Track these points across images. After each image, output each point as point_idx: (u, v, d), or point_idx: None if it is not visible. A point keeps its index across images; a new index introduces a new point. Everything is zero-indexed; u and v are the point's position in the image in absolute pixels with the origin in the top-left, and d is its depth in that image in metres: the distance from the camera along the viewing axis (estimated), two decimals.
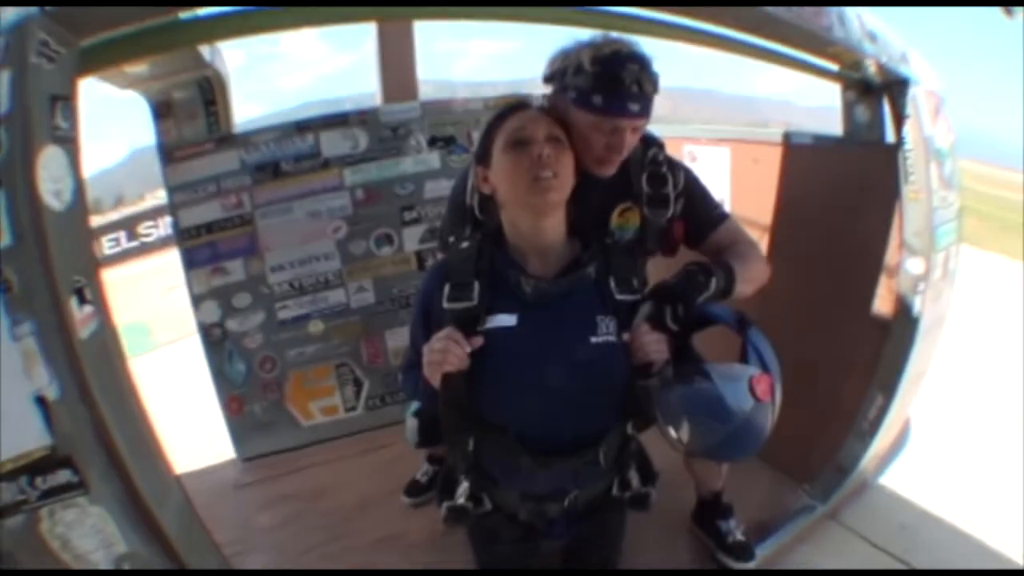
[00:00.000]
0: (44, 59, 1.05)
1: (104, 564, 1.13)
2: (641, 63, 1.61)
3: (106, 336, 1.16)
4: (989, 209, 14.19)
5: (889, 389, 2.56)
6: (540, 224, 1.61)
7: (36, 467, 1.03)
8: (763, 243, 2.91)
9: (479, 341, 1.52)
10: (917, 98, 2.33)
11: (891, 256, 2.49)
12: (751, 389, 1.57)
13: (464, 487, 1.73)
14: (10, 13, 0.99)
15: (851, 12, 2.11)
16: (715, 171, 3.17)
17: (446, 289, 1.61)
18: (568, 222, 1.68)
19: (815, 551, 2.62)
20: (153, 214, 12.74)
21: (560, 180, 1.56)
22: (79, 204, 1.12)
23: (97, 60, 1.34)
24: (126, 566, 1.16)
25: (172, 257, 3.07)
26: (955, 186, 2.50)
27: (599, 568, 2.09)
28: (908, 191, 2.38)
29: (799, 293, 2.74)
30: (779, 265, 2.78)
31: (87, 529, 1.10)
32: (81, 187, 1.13)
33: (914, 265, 2.42)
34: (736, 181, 3.13)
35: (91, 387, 1.08)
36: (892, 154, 2.39)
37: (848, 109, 2.61)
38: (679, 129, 3.57)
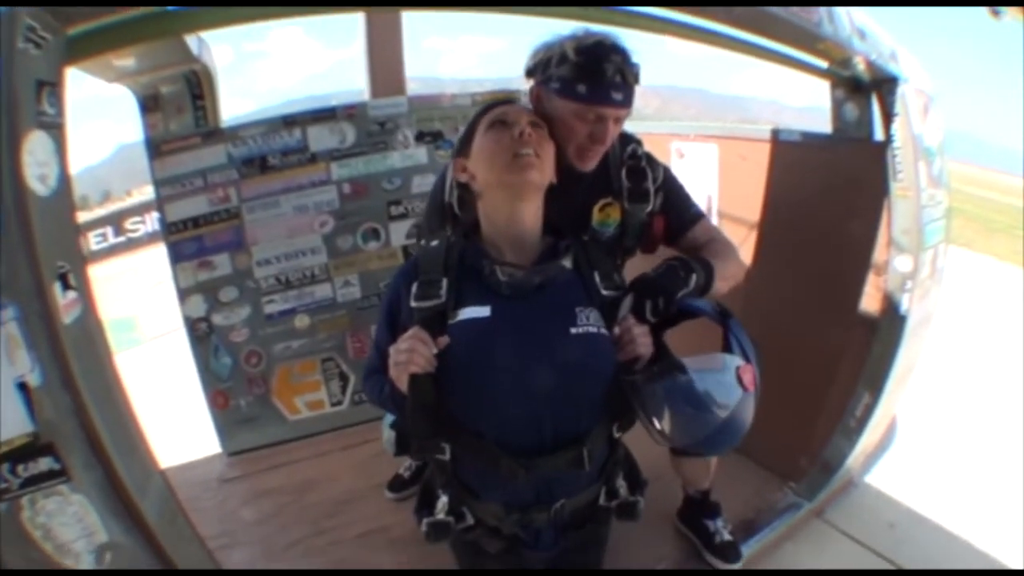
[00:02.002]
0: (31, 44, 1.04)
1: (85, 554, 1.12)
2: (623, 54, 1.62)
3: (90, 322, 1.15)
4: (975, 210, 14.26)
5: (876, 387, 2.57)
6: (517, 209, 1.59)
7: (18, 454, 1.02)
8: (751, 240, 2.93)
9: (445, 341, 1.48)
10: (906, 96, 2.34)
11: (879, 253, 2.50)
12: (739, 379, 1.61)
13: (443, 501, 1.70)
14: None
15: (841, 9, 2.11)
16: (703, 168, 3.17)
17: (413, 288, 1.59)
18: (545, 218, 1.67)
19: (801, 549, 2.63)
20: (140, 209, 12.65)
21: (541, 161, 1.56)
22: (64, 190, 1.11)
23: (84, 48, 1.33)
24: (107, 556, 1.15)
25: (159, 252, 3.07)
26: (943, 184, 2.51)
27: (583, 570, 2.09)
28: (896, 188, 2.39)
29: (786, 290, 2.77)
30: (766, 262, 2.80)
31: (68, 518, 1.09)
32: (66, 173, 1.12)
33: (902, 263, 2.43)
34: (724, 178, 3.13)
35: (74, 373, 1.07)
36: (881, 151, 2.41)
37: (837, 106, 2.62)
38: (666, 126, 3.57)
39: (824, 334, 2.67)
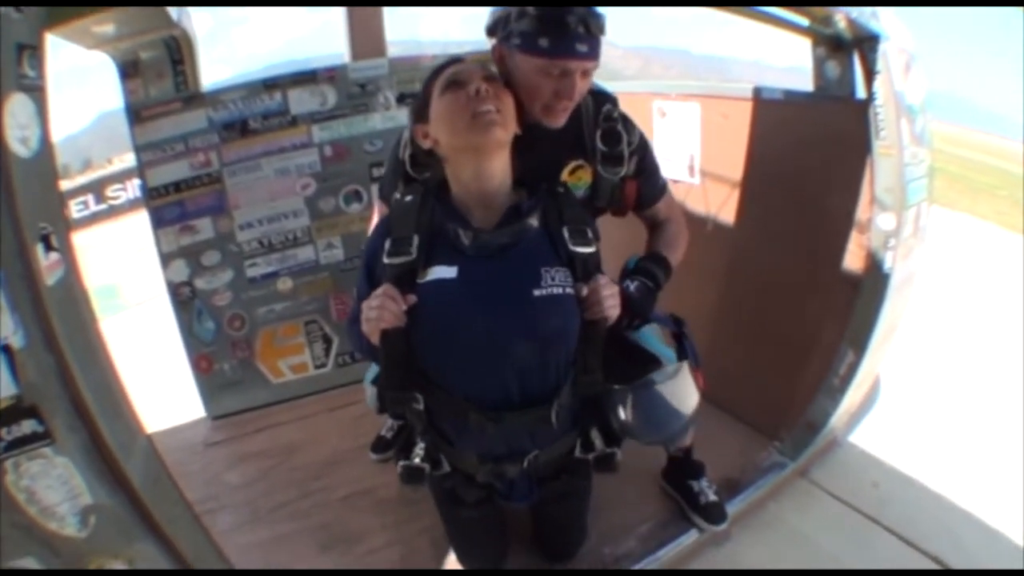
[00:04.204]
0: (12, 8, 1.03)
1: (70, 516, 1.12)
2: (586, 4, 1.58)
3: (72, 284, 1.15)
4: (958, 170, 14.29)
5: (860, 345, 2.57)
6: (483, 168, 1.57)
7: (1, 417, 1.02)
8: (733, 198, 2.94)
9: (413, 299, 1.51)
10: (888, 54, 2.33)
11: (862, 212, 2.50)
12: (696, 383, 1.84)
13: (420, 447, 1.74)
14: None
15: None
16: (685, 127, 3.16)
17: (387, 244, 1.60)
18: (514, 172, 1.65)
19: (785, 508, 2.64)
20: (121, 177, 12.59)
21: (502, 116, 1.53)
22: (46, 152, 1.11)
23: (65, 14, 1.33)
24: (92, 519, 1.15)
25: (141, 219, 3.04)
26: (926, 142, 2.50)
27: (563, 527, 2.14)
28: (879, 147, 2.38)
29: (769, 248, 2.79)
30: (749, 220, 2.81)
31: (53, 480, 1.09)
32: (48, 135, 1.11)
33: (885, 221, 2.43)
34: (706, 137, 3.11)
35: (57, 334, 1.06)
36: (863, 109, 2.39)
37: (819, 64, 2.60)
38: (648, 85, 3.55)
39: (807, 292, 2.69)
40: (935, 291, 4.75)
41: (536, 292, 1.53)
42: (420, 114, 1.65)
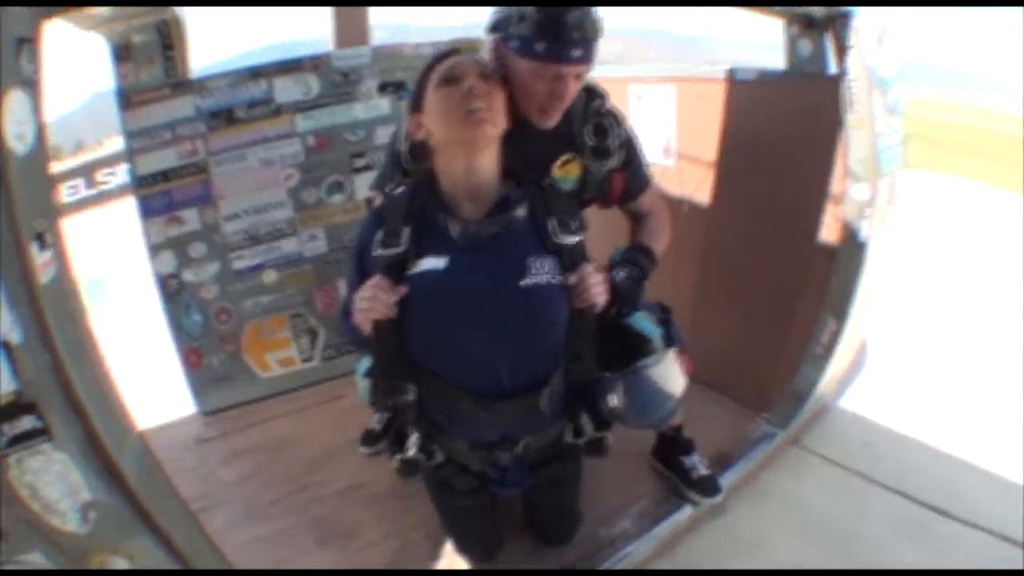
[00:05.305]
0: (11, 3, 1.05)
1: (71, 512, 1.14)
2: (582, 9, 1.62)
3: (64, 281, 1.17)
4: (949, 134, 14.32)
5: (840, 314, 2.64)
6: (473, 162, 1.62)
7: (3, 413, 1.03)
8: (709, 178, 3.00)
9: (403, 291, 1.56)
10: (859, 29, 2.39)
11: (836, 184, 2.56)
12: (683, 366, 1.93)
13: (414, 438, 1.77)
14: None
15: None
16: (661, 110, 3.21)
17: (378, 235, 1.65)
18: (504, 164, 1.70)
19: (779, 476, 2.71)
20: (111, 160, 12.31)
21: (493, 114, 1.59)
22: (40, 147, 1.13)
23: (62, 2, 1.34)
24: (92, 514, 1.17)
25: (128, 205, 3.00)
26: (899, 112, 2.57)
27: (557, 513, 2.19)
28: (851, 120, 2.45)
29: (747, 225, 2.85)
30: (727, 199, 2.88)
31: (53, 476, 1.11)
32: (42, 130, 1.13)
33: (859, 191, 2.50)
34: (682, 119, 3.17)
35: (51, 331, 1.08)
36: (835, 84, 2.45)
37: (791, 43, 2.66)
38: (625, 69, 3.61)
39: (786, 266, 2.75)
40: (924, 252, 4.92)
41: (524, 282, 1.59)
42: (416, 104, 1.69)
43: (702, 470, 2.40)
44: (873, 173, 2.48)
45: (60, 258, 1.14)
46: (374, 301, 1.54)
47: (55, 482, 1.11)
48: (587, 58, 1.66)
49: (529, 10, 1.60)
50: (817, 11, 2.44)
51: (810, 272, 2.71)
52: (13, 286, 1.02)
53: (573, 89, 1.71)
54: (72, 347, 1.13)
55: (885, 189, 2.55)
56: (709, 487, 2.37)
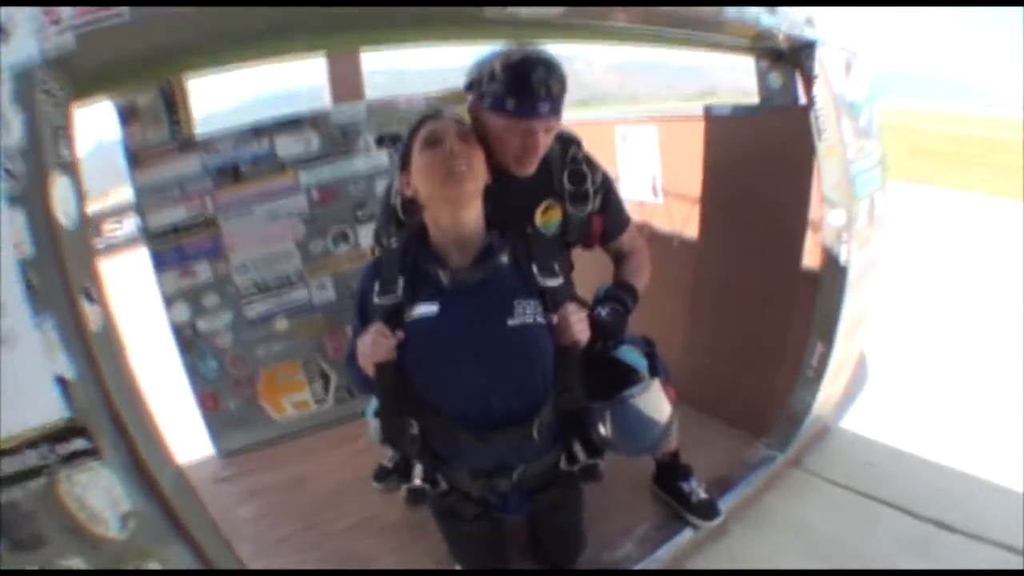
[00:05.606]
0: (47, 97, 1.23)
1: (113, 521, 1.31)
2: (548, 67, 1.73)
3: (111, 328, 1.35)
4: (948, 147, 13.96)
5: (827, 336, 2.69)
6: (459, 216, 1.76)
7: (56, 436, 1.21)
8: (695, 214, 3.09)
9: (401, 336, 1.70)
10: (824, 59, 2.47)
11: (814, 211, 2.64)
12: (667, 395, 1.94)
13: (419, 469, 1.91)
14: (12, 58, 1.17)
15: None
16: (646, 149, 3.31)
17: (376, 285, 1.79)
18: (487, 215, 1.83)
19: (779, 498, 2.75)
20: (117, 212, 12.58)
21: (473, 172, 1.72)
22: (82, 220, 1.31)
23: (87, 91, 1.56)
24: (131, 522, 1.33)
25: (137, 256, 3.18)
26: (872, 135, 2.65)
27: (561, 536, 2.26)
28: (822, 147, 2.53)
29: (733, 258, 2.94)
30: (712, 233, 2.96)
31: (99, 490, 1.28)
32: (83, 205, 1.32)
33: (836, 217, 2.57)
34: (665, 157, 3.27)
35: (102, 370, 1.26)
36: (804, 114, 2.55)
37: (762, 77, 2.76)
38: (610, 112, 3.73)
39: (774, 292, 2.83)
40: (923, 268, 4.93)
41: (510, 322, 1.73)
42: (404, 164, 1.84)
43: (701, 494, 2.47)
44: (848, 198, 2.54)
45: (104, 310, 1.32)
46: (375, 346, 1.68)
47: (100, 495, 1.28)
48: (555, 112, 1.78)
49: (499, 70, 1.73)
50: (781, 44, 2.54)
51: (796, 297, 2.78)
52: (68, 332, 1.21)
53: (544, 141, 1.83)
54: (118, 383, 1.31)
55: (863, 212, 2.62)
56: (708, 510, 2.44)
